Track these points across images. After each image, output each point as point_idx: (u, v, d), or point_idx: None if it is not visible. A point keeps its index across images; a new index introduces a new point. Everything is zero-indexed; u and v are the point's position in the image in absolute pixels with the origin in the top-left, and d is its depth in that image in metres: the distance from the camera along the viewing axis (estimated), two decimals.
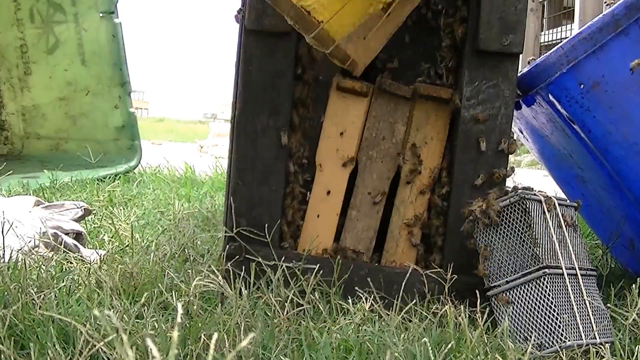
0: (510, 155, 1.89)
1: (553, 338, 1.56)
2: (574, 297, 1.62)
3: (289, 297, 1.66)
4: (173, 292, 1.65)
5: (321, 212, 1.92)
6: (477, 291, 1.67)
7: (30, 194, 3.10)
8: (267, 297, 1.68)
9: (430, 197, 1.92)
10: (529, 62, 2.00)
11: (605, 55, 1.82)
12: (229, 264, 1.81)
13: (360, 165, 1.94)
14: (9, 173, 3.58)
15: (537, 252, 1.63)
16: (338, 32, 1.51)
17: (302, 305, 1.64)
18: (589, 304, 1.63)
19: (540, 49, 12.26)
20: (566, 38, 2.06)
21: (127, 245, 2.23)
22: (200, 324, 1.48)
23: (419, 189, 1.93)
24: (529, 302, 1.62)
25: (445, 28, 1.93)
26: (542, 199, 1.70)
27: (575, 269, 1.66)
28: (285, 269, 1.75)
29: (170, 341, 1.35)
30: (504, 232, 1.69)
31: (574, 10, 11.55)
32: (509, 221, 1.68)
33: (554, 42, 12.23)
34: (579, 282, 1.65)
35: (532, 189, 1.76)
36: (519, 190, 1.71)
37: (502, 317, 1.64)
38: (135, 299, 1.65)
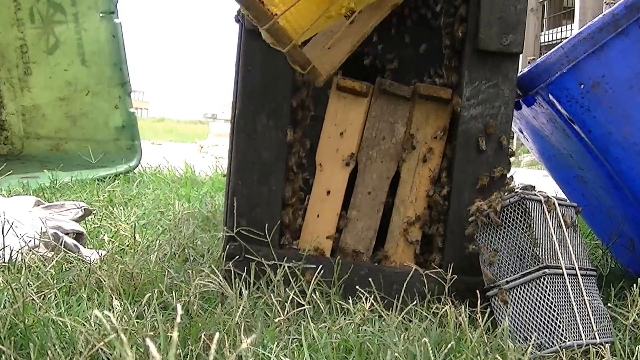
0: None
1: (553, 338, 1.56)
2: (574, 297, 1.62)
3: (289, 297, 1.66)
4: (173, 292, 1.65)
5: (321, 212, 1.92)
6: (477, 291, 1.67)
7: (30, 194, 3.10)
8: (267, 297, 1.68)
9: (430, 197, 1.92)
10: (529, 62, 2.00)
11: (605, 55, 1.82)
12: (229, 264, 1.81)
13: (360, 165, 1.94)
14: (9, 173, 3.58)
15: (537, 252, 1.63)
16: (296, 31, 1.44)
17: (302, 305, 1.64)
18: (589, 304, 1.63)
19: (540, 49, 12.25)
20: (566, 38, 2.06)
21: (128, 245, 2.23)
22: (200, 324, 1.48)
23: (419, 188, 1.93)
24: (529, 302, 1.62)
25: (445, 28, 1.93)
26: (542, 199, 1.70)
27: (575, 269, 1.66)
28: (285, 268, 1.75)
29: (170, 341, 1.35)
30: (504, 232, 1.69)
31: (574, 10, 11.55)
32: (509, 221, 1.68)
33: (554, 42, 12.23)
34: (579, 282, 1.65)
35: (534, 187, 1.76)
36: (519, 191, 1.71)
37: (502, 317, 1.64)
38: (135, 299, 1.65)
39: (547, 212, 1.68)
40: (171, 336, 1.37)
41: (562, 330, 1.56)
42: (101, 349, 1.26)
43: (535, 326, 1.59)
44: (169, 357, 0.65)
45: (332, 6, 1.47)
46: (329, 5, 1.46)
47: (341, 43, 1.56)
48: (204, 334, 1.41)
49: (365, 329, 1.53)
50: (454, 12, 1.90)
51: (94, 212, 2.62)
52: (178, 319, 0.66)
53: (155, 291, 1.63)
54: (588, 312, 1.62)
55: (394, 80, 1.94)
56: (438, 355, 1.38)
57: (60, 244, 2.02)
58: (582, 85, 1.82)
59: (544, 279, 1.61)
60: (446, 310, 1.59)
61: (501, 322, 1.59)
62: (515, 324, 1.62)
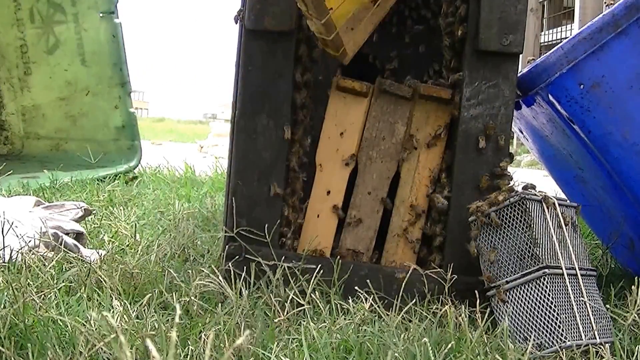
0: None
1: (553, 338, 1.56)
2: (574, 297, 1.62)
3: (289, 297, 1.66)
4: (173, 292, 1.65)
5: (321, 212, 1.92)
6: (477, 291, 1.67)
7: (30, 194, 3.10)
8: (267, 297, 1.68)
9: (430, 197, 1.92)
10: (529, 62, 2.00)
11: (605, 55, 1.82)
12: (229, 264, 1.81)
13: (360, 165, 1.94)
14: (9, 173, 3.58)
15: (537, 252, 1.63)
16: (339, 20, 1.60)
17: (302, 305, 1.64)
18: (589, 304, 1.63)
19: (540, 49, 12.25)
20: (566, 38, 2.06)
21: (128, 245, 2.23)
22: (200, 324, 1.48)
23: (419, 189, 1.93)
24: (528, 302, 1.62)
25: (446, 28, 1.93)
26: (542, 199, 1.70)
27: (575, 269, 1.66)
28: (285, 268, 1.75)
29: (170, 341, 1.35)
30: (504, 232, 1.69)
31: (574, 10, 11.55)
32: (509, 221, 1.68)
33: (554, 42, 12.23)
34: (578, 282, 1.65)
35: (535, 186, 1.76)
36: (519, 190, 1.71)
37: (502, 317, 1.64)
38: (135, 299, 1.65)
39: (547, 212, 1.68)
40: (171, 336, 1.37)
41: (562, 330, 1.56)
42: (101, 349, 1.26)
43: (535, 326, 1.59)
44: (169, 357, 0.65)
45: None
46: None
47: (364, 24, 1.70)
48: (204, 334, 1.41)
49: (365, 329, 1.53)
50: (454, 12, 1.90)
51: (94, 212, 2.62)
52: (177, 319, 0.67)
53: (155, 291, 1.63)
54: (588, 312, 1.62)
55: (394, 80, 1.94)
56: (438, 355, 1.38)
57: (60, 244, 2.02)
58: (582, 86, 1.82)
59: (544, 279, 1.61)
60: (446, 310, 1.59)
61: (501, 322, 1.59)
62: (515, 324, 1.62)
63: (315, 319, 1.62)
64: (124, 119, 4.65)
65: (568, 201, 1.80)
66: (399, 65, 2.00)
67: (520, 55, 1.87)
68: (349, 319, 1.57)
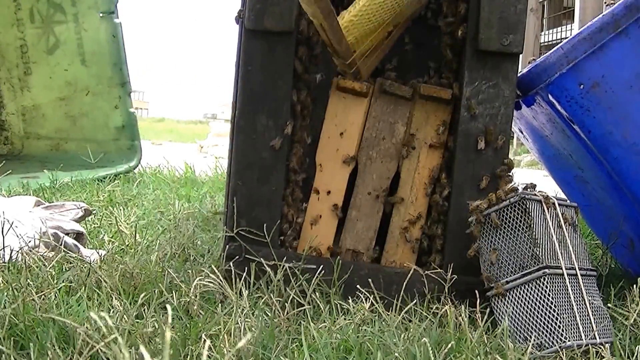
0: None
1: (553, 338, 1.56)
2: (574, 297, 1.62)
3: (289, 297, 1.66)
4: (173, 292, 1.65)
5: (321, 212, 1.92)
6: (477, 291, 1.67)
7: (30, 194, 3.10)
8: (267, 297, 1.68)
9: (430, 197, 1.92)
10: (529, 62, 2.01)
11: (605, 55, 1.82)
12: (229, 264, 1.80)
13: (360, 166, 1.94)
14: (8, 173, 3.58)
15: (537, 252, 1.63)
16: (358, 56, 1.82)
17: (302, 305, 1.64)
18: (589, 304, 1.63)
19: (540, 49, 12.26)
20: (566, 38, 2.06)
21: (128, 245, 2.23)
22: (200, 324, 1.48)
23: (419, 189, 1.93)
24: (529, 302, 1.62)
25: (446, 28, 1.93)
26: (542, 199, 1.70)
27: (575, 269, 1.66)
28: (285, 269, 1.75)
29: (171, 341, 1.35)
30: (504, 232, 1.69)
31: (574, 10, 11.55)
32: (509, 221, 1.68)
33: (554, 42, 12.23)
34: (579, 282, 1.65)
35: (535, 186, 1.76)
36: (519, 190, 1.71)
37: (502, 317, 1.64)
38: (135, 299, 1.65)
39: (547, 212, 1.68)
40: (170, 336, 1.37)
41: (562, 330, 1.56)
42: (101, 350, 1.26)
43: (535, 326, 1.59)
44: (164, 357, 0.65)
45: (379, 32, 1.84)
46: (378, 33, 1.84)
47: (377, 52, 1.91)
48: (204, 334, 1.41)
49: (365, 329, 1.53)
50: (454, 12, 1.90)
51: (94, 212, 2.62)
52: (169, 319, 0.66)
53: (155, 291, 1.63)
54: (588, 312, 1.62)
55: (395, 80, 1.94)
56: (438, 355, 1.38)
57: (60, 244, 2.02)
58: (582, 86, 1.82)
59: (544, 279, 1.61)
60: (446, 310, 1.59)
61: (501, 322, 1.59)
62: (515, 324, 1.62)
63: (316, 319, 1.62)
64: (124, 119, 4.65)
65: (568, 201, 1.80)
66: (399, 65, 2.00)
67: (520, 55, 1.87)
68: (349, 319, 1.57)
